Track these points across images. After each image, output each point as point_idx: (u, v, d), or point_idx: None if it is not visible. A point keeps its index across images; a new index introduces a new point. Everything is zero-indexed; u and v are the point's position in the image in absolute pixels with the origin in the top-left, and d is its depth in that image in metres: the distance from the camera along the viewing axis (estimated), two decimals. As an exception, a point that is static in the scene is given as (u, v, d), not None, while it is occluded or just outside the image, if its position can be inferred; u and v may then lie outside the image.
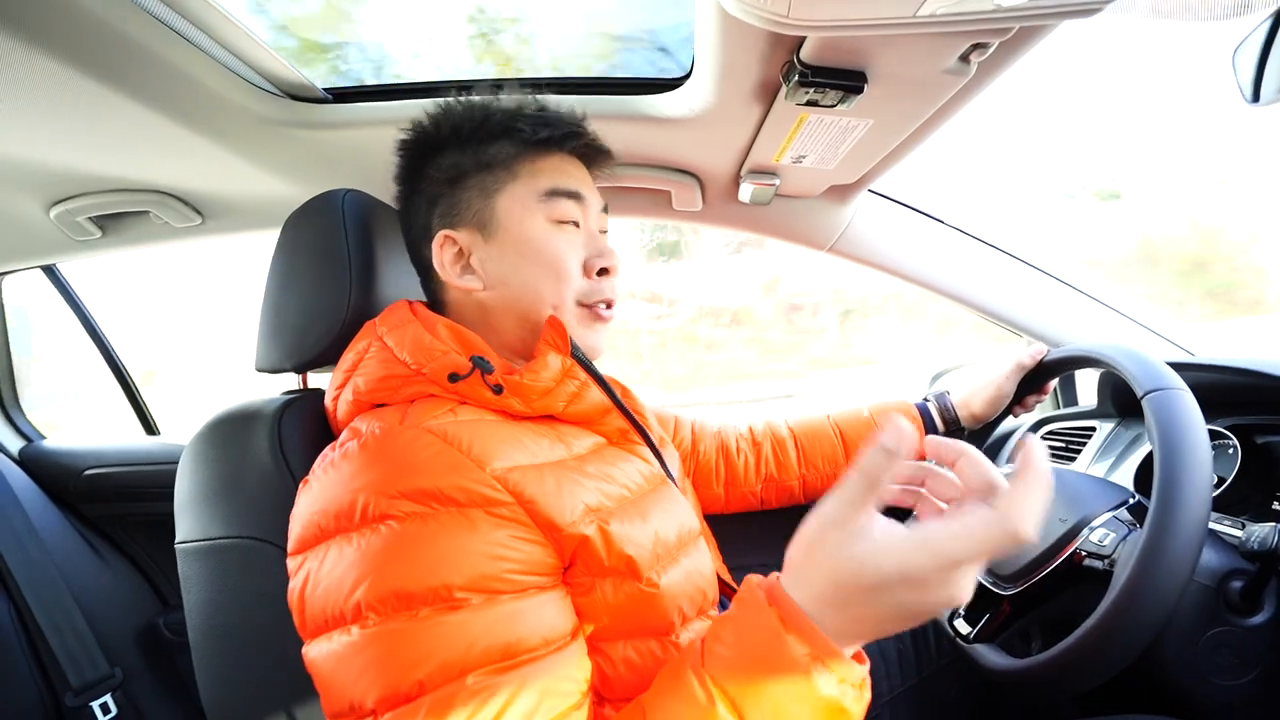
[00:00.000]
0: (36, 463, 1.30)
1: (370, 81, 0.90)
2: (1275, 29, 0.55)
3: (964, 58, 0.59)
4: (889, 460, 0.39)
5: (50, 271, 1.33)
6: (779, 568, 1.31)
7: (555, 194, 0.64)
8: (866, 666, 0.42)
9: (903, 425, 0.40)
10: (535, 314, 0.63)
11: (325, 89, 0.87)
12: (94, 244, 1.12)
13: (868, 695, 0.42)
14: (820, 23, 0.51)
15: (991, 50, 0.58)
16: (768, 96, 0.72)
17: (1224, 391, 0.89)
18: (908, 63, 0.60)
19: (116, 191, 1.00)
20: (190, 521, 0.64)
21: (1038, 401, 0.93)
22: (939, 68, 0.60)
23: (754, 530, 1.10)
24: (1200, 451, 0.57)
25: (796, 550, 0.42)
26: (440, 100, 0.66)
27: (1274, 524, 0.57)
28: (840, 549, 0.40)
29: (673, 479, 0.69)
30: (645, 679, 0.54)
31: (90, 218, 1.04)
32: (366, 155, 0.90)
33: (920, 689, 0.87)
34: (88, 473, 1.28)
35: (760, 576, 0.44)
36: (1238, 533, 0.63)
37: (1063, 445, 1.11)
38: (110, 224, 1.09)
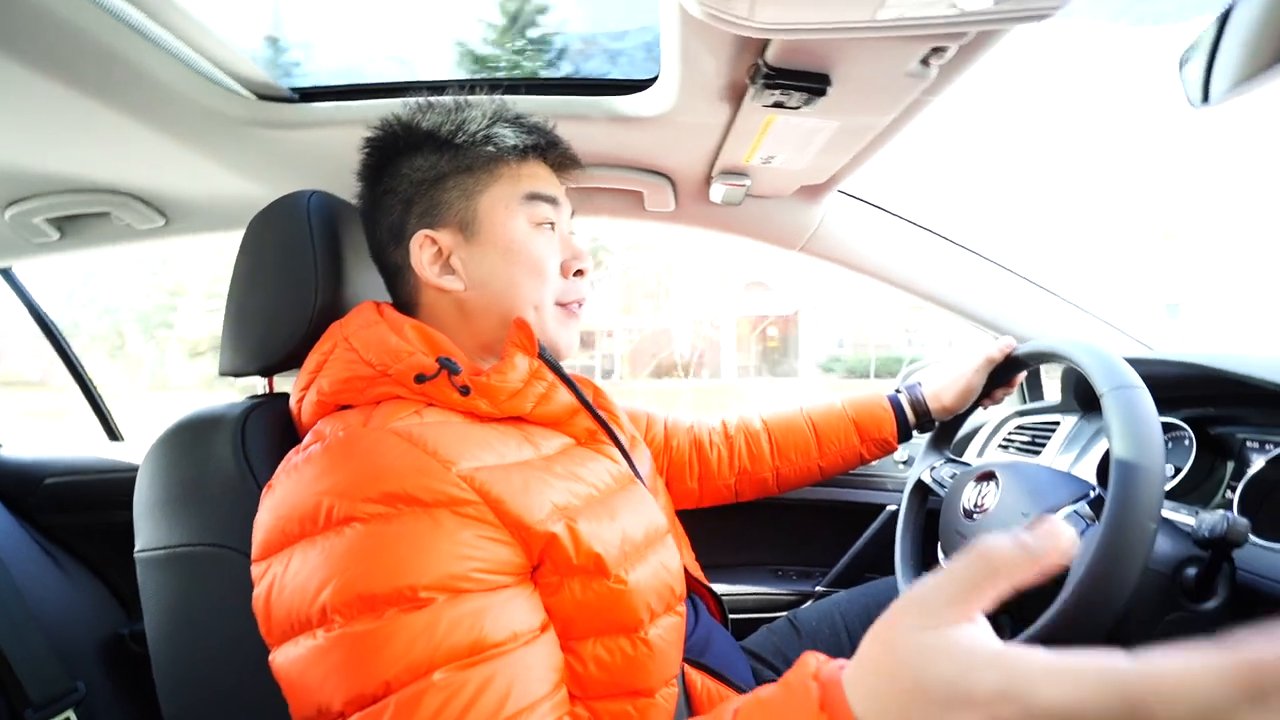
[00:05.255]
0: None
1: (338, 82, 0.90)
2: (1222, 28, 0.57)
3: (924, 61, 0.60)
4: (1022, 565, 0.31)
5: (5, 274, 1.29)
6: (750, 564, 1.31)
7: (536, 198, 0.66)
8: None
9: (1060, 531, 0.31)
10: (516, 313, 0.64)
11: (292, 89, 0.85)
12: (52, 246, 1.09)
13: None
14: (781, 25, 0.52)
15: (951, 54, 0.60)
16: (735, 98, 0.73)
17: (1180, 385, 0.92)
18: (869, 66, 0.61)
19: (75, 192, 0.98)
20: (150, 529, 0.63)
21: (1005, 394, 0.95)
22: (900, 70, 0.62)
23: (727, 527, 1.11)
24: (1154, 450, 0.59)
25: (871, 643, 0.34)
26: (413, 100, 0.66)
27: (1224, 511, 0.59)
28: (917, 653, 0.32)
29: (641, 479, 0.69)
30: (616, 677, 0.54)
31: (47, 219, 1.01)
32: (334, 156, 0.89)
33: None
34: (48, 482, 1.24)
35: (818, 662, 0.37)
36: (1191, 521, 0.65)
37: (1029, 439, 1.14)
38: (69, 225, 1.06)
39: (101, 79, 0.72)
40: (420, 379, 0.58)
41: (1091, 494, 0.70)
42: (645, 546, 0.60)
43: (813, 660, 0.37)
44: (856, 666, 0.34)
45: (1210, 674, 0.25)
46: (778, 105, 0.68)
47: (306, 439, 0.56)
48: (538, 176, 0.67)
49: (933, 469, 0.92)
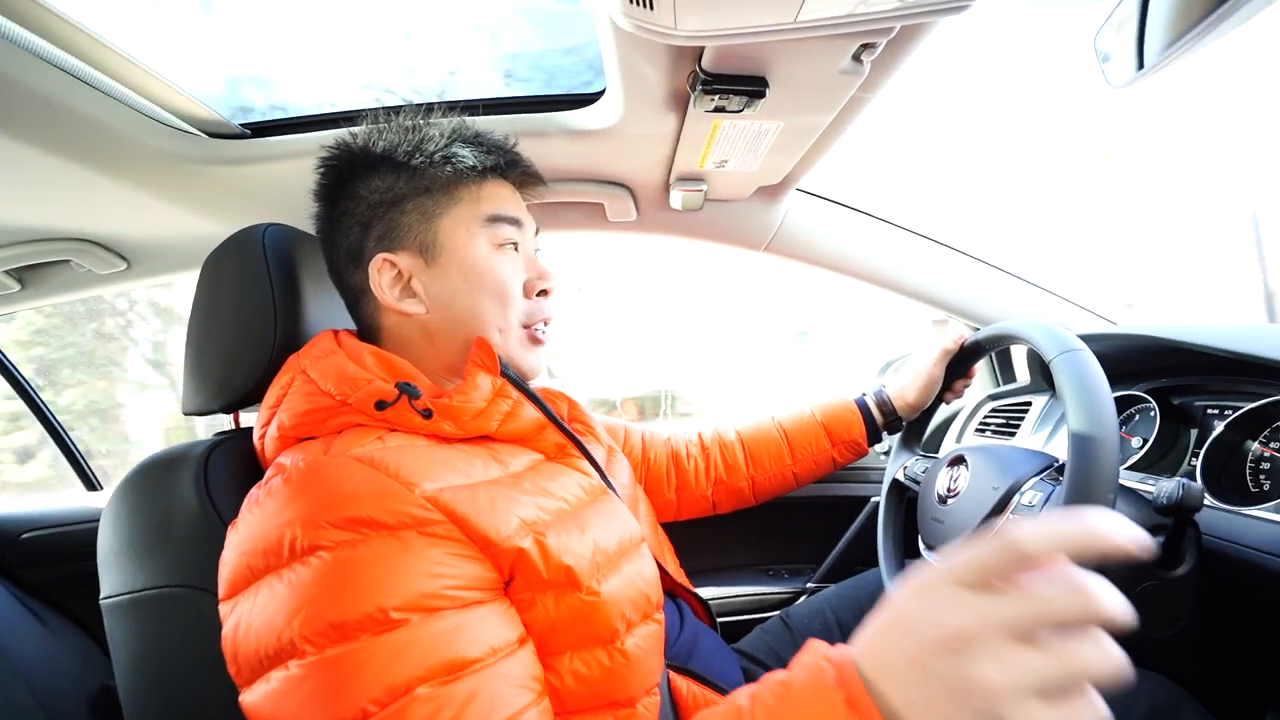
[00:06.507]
0: None
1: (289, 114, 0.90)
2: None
3: (856, 58, 0.62)
4: (1042, 557, 0.31)
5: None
6: (741, 565, 1.31)
7: (497, 220, 0.66)
8: None
9: (1107, 529, 0.31)
10: (479, 336, 0.64)
11: (242, 124, 0.86)
12: (13, 297, 1.08)
13: None
14: (708, 33, 0.53)
15: (880, 49, 0.61)
16: (680, 105, 0.74)
17: (1142, 358, 0.94)
18: (803, 65, 0.62)
19: (33, 242, 0.97)
20: (115, 574, 0.62)
21: (965, 385, 0.96)
22: (834, 69, 0.63)
23: (716, 530, 1.11)
24: (1103, 399, 0.61)
25: (890, 619, 0.36)
26: (370, 122, 0.66)
27: (1179, 479, 0.60)
28: (904, 593, 0.36)
29: (614, 489, 0.69)
30: (595, 689, 0.54)
31: (6, 271, 1.01)
32: (290, 187, 0.89)
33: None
34: (25, 536, 1.22)
35: (825, 647, 0.38)
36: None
37: (1003, 421, 1.15)
38: (29, 275, 1.06)
39: (50, 129, 0.72)
40: (381, 405, 0.58)
41: (1056, 463, 0.72)
42: (619, 556, 0.60)
43: (820, 645, 0.39)
44: (862, 638, 0.37)
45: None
46: (720, 110, 0.69)
47: (269, 473, 0.56)
48: (499, 197, 0.67)
49: (905, 467, 0.93)
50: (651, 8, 0.50)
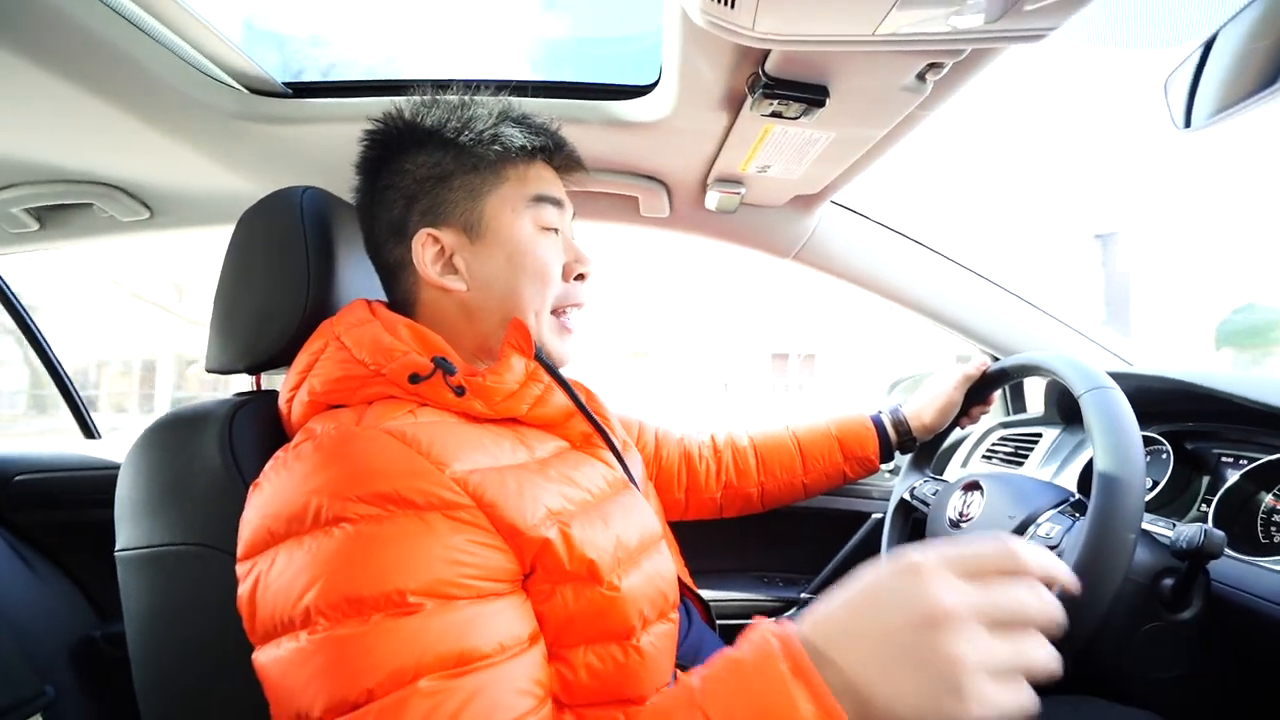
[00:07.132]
0: None
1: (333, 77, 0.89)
2: (1205, 57, 0.59)
3: (920, 76, 0.62)
4: (1010, 568, 0.38)
5: (-20, 265, 1.26)
6: (736, 570, 1.32)
7: (542, 200, 0.66)
8: None
9: (1052, 565, 0.39)
10: (517, 316, 0.64)
11: (285, 83, 0.84)
12: (30, 237, 1.06)
13: None
14: (783, 37, 0.52)
15: (946, 70, 0.61)
16: (734, 106, 0.74)
17: (1158, 401, 0.94)
18: (867, 79, 0.62)
19: (57, 182, 0.96)
20: (132, 528, 0.61)
21: (982, 412, 0.97)
22: (897, 85, 0.63)
23: (714, 533, 1.11)
24: (1133, 439, 0.61)
25: (858, 595, 0.40)
26: (417, 96, 0.66)
27: (1200, 524, 0.61)
28: (864, 576, 0.40)
29: (635, 483, 0.69)
30: (607, 684, 0.54)
31: (26, 209, 0.99)
32: (327, 152, 0.88)
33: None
34: (19, 479, 1.21)
35: (772, 623, 0.41)
36: (1169, 533, 0.67)
37: (1012, 450, 1.16)
38: (49, 216, 1.04)
39: (87, 66, 0.70)
40: (415, 379, 0.57)
41: (1072, 498, 0.72)
42: (639, 553, 0.60)
43: (766, 622, 0.41)
44: (814, 614, 0.40)
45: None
46: (776, 115, 0.69)
47: (297, 437, 0.55)
48: (544, 179, 0.67)
49: (914, 488, 0.93)
50: (732, 6, 0.49)
